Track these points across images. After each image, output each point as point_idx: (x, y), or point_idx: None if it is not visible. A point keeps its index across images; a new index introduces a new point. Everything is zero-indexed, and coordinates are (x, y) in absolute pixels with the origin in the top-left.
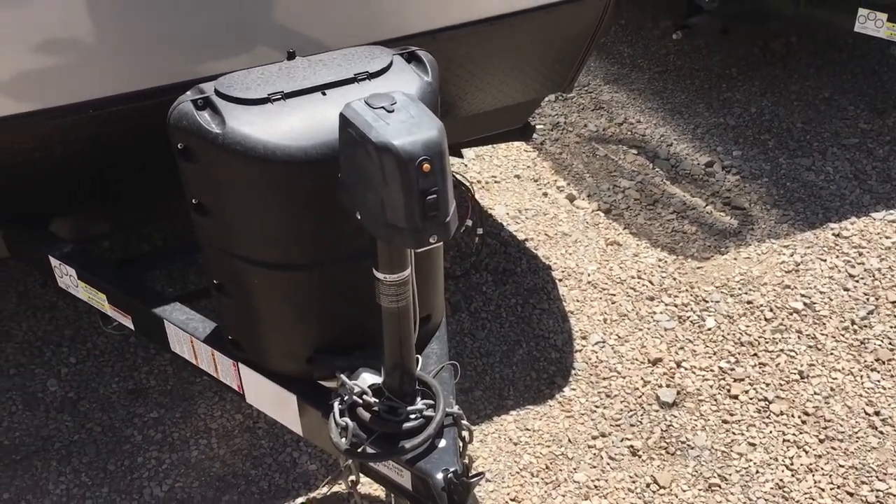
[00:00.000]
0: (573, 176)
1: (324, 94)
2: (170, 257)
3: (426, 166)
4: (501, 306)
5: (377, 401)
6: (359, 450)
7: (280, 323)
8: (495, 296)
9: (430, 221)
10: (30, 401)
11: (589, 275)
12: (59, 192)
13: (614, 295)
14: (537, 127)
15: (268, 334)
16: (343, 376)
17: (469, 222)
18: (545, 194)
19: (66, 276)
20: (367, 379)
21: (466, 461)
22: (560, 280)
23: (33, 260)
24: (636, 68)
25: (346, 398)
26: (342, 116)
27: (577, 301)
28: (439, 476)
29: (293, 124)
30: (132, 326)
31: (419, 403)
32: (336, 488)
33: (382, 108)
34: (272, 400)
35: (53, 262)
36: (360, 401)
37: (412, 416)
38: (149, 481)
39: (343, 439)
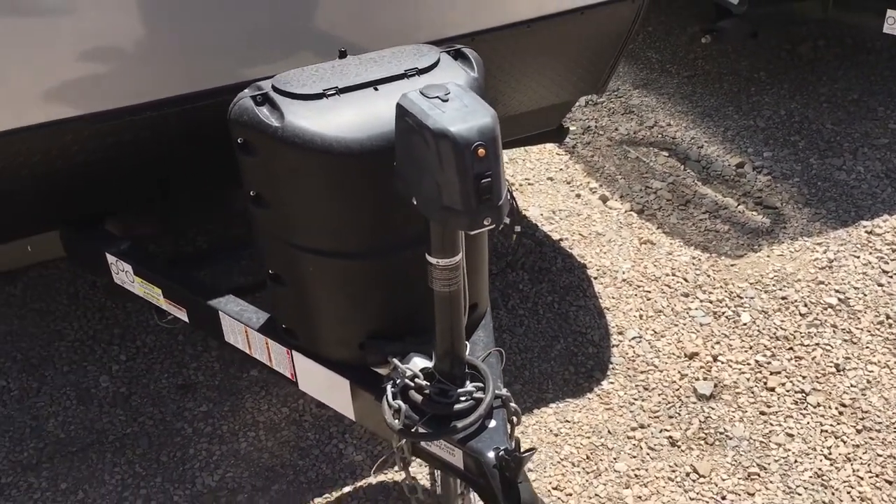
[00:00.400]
0: (605, 178)
1: (376, 89)
2: (214, 257)
3: (481, 151)
4: (538, 303)
5: (429, 384)
6: (412, 430)
7: (334, 310)
8: (532, 293)
9: (484, 204)
10: (83, 396)
11: (624, 272)
12: (117, 191)
13: (649, 292)
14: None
15: (322, 322)
16: (395, 360)
17: (507, 220)
18: (578, 196)
19: (123, 273)
20: (419, 363)
21: (515, 442)
22: (595, 278)
23: (88, 258)
24: (665, 73)
25: (398, 381)
26: (399, 106)
27: (613, 298)
28: (490, 454)
29: (348, 118)
30: (187, 319)
31: (469, 386)
32: (382, 477)
33: (437, 97)
34: (325, 386)
35: (110, 258)
36: (413, 384)
37: (462, 398)
38: (200, 471)
39: (396, 420)
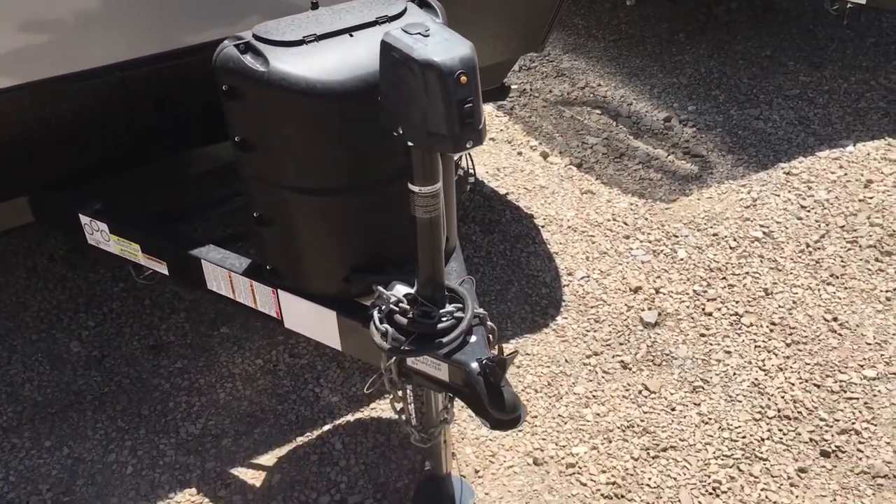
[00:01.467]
0: (544, 136)
1: (351, 35)
2: (189, 213)
3: (463, 78)
4: (491, 252)
5: (412, 308)
6: (400, 349)
7: (319, 246)
8: (484, 243)
9: (466, 128)
10: (56, 361)
11: (568, 220)
12: (90, 152)
13: (593, 236)
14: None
15: (307, 258)
16: (380, 288)
17: (461, 171)
18: (520, 153)
19: (98, 232)
20: (402, 290)
21: (497, 351)
22: (542, 226)
23: (60, 220)
24: (592, 38)
25: (383, 307)
26: (384, 43)
27: (560, 244)
28: (474, 364)
29: (328, 61)
30: (167, 272)
31: (450, 307)
32: (360, 415)
33: (419, 33)
34: (311, 320)
35: (84, 219)
36: (398, 308)
37: (444, 318)
38: (182, 421)
39: (385, 342)
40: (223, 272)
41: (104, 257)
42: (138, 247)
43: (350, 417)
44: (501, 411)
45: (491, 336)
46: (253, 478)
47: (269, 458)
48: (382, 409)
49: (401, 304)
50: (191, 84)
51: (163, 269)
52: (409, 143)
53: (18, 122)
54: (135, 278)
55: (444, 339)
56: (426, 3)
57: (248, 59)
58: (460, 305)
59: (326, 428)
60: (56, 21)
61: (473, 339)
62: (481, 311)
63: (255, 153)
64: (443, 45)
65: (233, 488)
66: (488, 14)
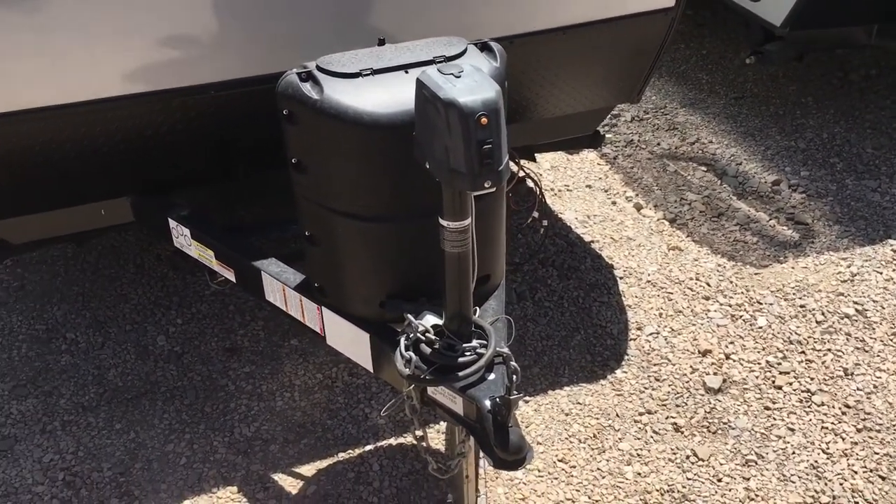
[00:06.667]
0: (642, 188)
1: (406, 71)
2: (265, 229)
3: (484, 120)
4: (564, 297)
5: (438, 339)
6: (420, 377)
7: (359, 269)
8: (559, 288)
9: (485, 168)
10: (141, 352)
11: (649, 275)
12: (182, 163)
13: (671, 293)
14: (611, 144)
15: (348, 280)
16: (410, 316)
17: (535, 214)
18: (614, 203)
19: (182, 237)
20: (430, 320)
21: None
22: (621, 278)
23: (153, 222)
24: (713, 94)
25: (410, 335)
26: (418, 81)
27: (636, 297)
28: (487, 402)
29: (379, 95)
30: (234, 279)
31: (474, 343)
32: (402, 440)
33: (452, 74)
34: (349, 339)
35: (172, 223)
36: (423, 338)
37: (467, 353)
38: (239, 423)
39: (406, 369)
40: (279, 285)
41: (190, 263)
42: (213, 253)
43: (392, 441)
44: (504, 450)
45: (514, 377)
46: (291, 485)
47: (309, 469)
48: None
49: (427, 335)
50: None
51: (231, 276)
52: (437, 178)
53: (129, 127)
54: (209, 282)
55: (462, 373)
56: (487, 46)
57: (306, 87)
58: (485, 342)
59: (368, 448)
60: (170, 39)
61: (492, 376)
62: (506, 350)
63: (307, 175)
64: (469, 87)
65: (270, 492)
66: (577, 62)
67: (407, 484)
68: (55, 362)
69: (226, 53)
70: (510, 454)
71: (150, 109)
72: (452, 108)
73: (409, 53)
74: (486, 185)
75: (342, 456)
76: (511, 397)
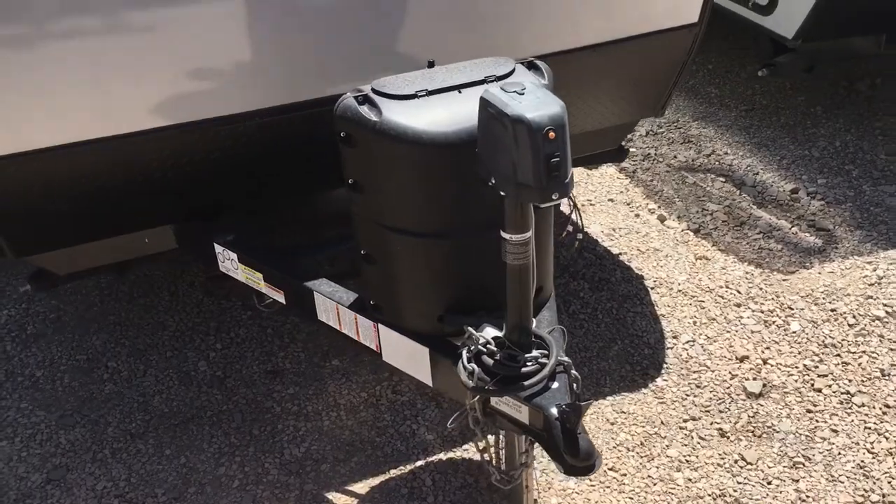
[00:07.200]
0: (663, 200)
1: (460, 91)
2: (308, 250)
3: (551, 134)
4: (598, 309)
5: (499, 350)
6: (484, 388)
7: (417, 286)
8: (591, 300)
9: (553, 181)
10: (184, 378)
11: (679, 284)
12: (229, 190)
13: (703, 302)
14: (629, 158)
15: (406, 296)
16: (471, 329)
17: (569, 228)
18: (637, 215)
19: (228, 261)
20: (490, 333)
21: (574, 398)
22: (652, 288)
23: (198, 248)
24: (724, 107)
25: (472, 348)
26: (482, 99)
27: (669, 306)
28: (553, 409)
29: (436, 115)
30: (284, 301)
31: (535, 353)
32: (451, 455)
33: (515, 91)
34: (406, 355)
35: (217, 248)
36: (485, 350)
37: (529, 363)
38: (288, 444)
39: (470, 380)
40: (332, 304)
41: (231, 287)
42: (261, 276)
43: (442, 456)
44: (575, 457)
45: (575, 385)
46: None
47: (362, 487)
48: (475, 451)
49: (488, 346)
50: (322, 131)
51: (280, 297)
52: (501, 193)
53: (178, 156)
54: (257, 305)
55: (527, 383)
56: (534, 65)
57: (364, 110)
58: (546, 352)
59: (419, 464)
60: (216, 69)
61: (555, 385)
62: (566, 359)
63: (365, 195)
64: (534, 103)
65: None
66: (606, 78)
67: (460, 497)
68: (99, 391)
69: (271, 81)
70: (581, 460)
71: (198, 138)
72: (521, 123)
73: (460, 74)
74: (553, 197)
75: (394, 472)
76: (580, 404)
